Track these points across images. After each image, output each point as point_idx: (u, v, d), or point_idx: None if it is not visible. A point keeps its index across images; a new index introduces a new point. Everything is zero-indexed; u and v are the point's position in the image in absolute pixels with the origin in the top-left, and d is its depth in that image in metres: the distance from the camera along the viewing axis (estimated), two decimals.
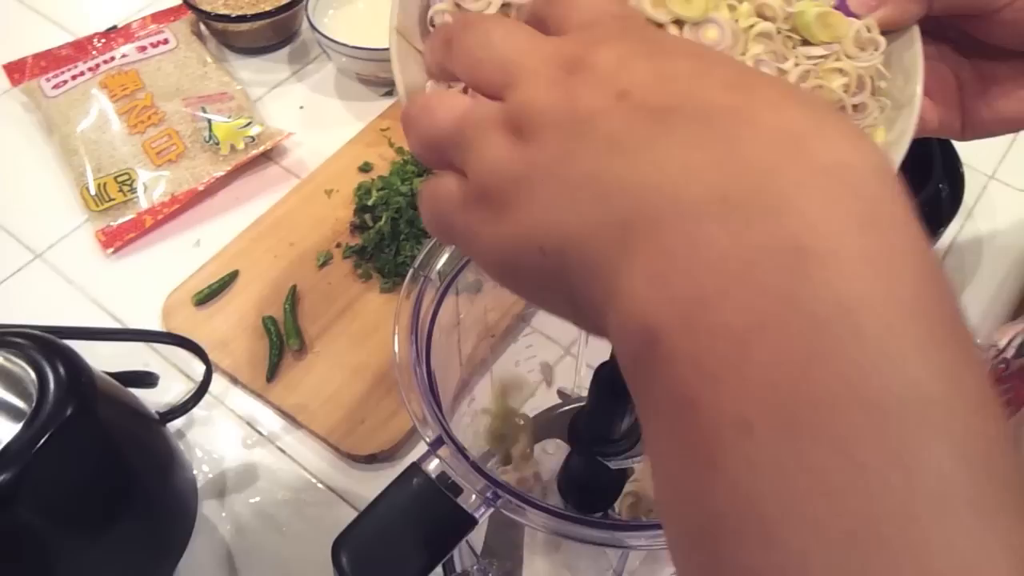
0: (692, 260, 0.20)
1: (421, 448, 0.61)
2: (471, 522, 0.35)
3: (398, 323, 0.40)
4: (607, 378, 0.42)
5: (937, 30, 0.41)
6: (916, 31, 0.38)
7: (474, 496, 0.35)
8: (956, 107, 0.43)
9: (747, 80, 0.23)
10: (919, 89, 0.38)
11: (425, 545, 0.35)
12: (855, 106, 0.38)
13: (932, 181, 0.67)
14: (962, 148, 0.70)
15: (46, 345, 0.47)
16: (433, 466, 0.36)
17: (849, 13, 0.37)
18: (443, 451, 0.36)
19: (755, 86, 0.23)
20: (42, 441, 0.42)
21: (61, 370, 0.45)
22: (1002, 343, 0.58)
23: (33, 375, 0.45)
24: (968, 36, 0.41)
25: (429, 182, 0.27)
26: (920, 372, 0.19)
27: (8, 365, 0.45)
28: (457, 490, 0.35)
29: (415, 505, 0.35)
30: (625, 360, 0.22)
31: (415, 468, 0.36)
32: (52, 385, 0.44)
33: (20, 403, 0.44)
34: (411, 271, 0.42)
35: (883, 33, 0.38)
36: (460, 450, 0.36)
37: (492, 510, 0.35)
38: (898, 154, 0.38)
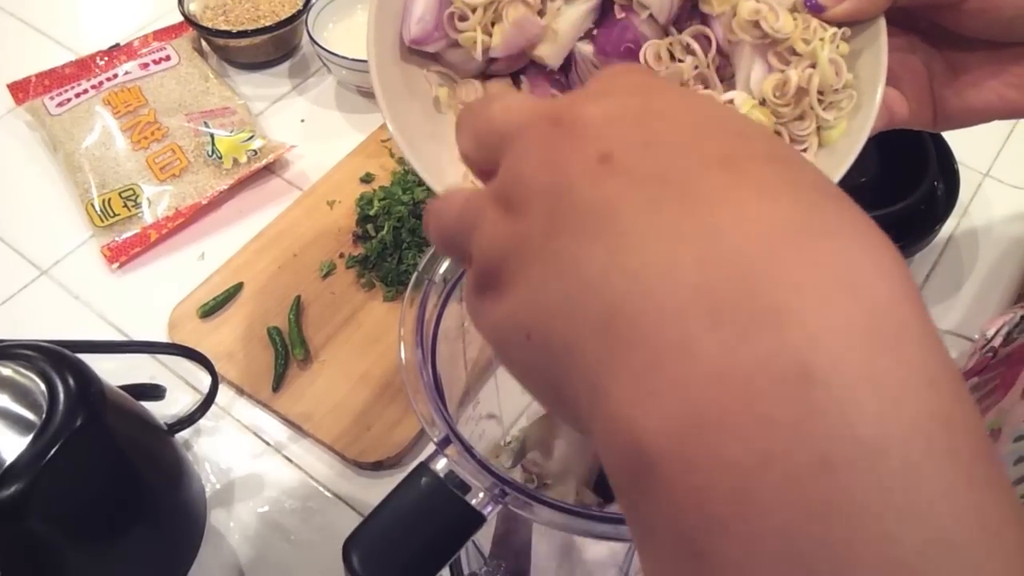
0: (683, 376, 0.18)
1: (428, 453, 0.62)
2: (480, 520, 0.35)
3: (403, 326, 0.41)
4: None
5: (907, 21, 0.42)
6: (882, 22, 0.39)
7: (482, 493, 0.36)
8: (927, 98, 0.43)
9: (742, 153, 0.21)
10: (882, 79, 0.38)
11: (435, 543, 0.35)
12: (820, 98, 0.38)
13: (927, 179, 0.67)
14: (957, 146, 0.71)
15: (56, 357, 0.47)
16: (441, 465, 0.37)
17: (817, 7, 0.38)
18: (450, 450, 0.37)
19: (750, 163, 0.20)
20: (52, 453, 0.43)
21: (71, 381, 0.46)
22: (990, 332, 0.58)
23: (43, 387, 0.45)
24: (938, 26, 0.41)
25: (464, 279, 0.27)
26: (951, 524, 0.16)
27: (18, 377, 0.46)
28: (465, 488, 0.36)
29: (424, 504, 0.36)
30: (615, 474, 0.20)
31: (423, 467, 0.36)
32: (62, 396, 0.45)
33: (30, 415, 0.44)
34: (415, 276, 0.43)
35: (850, 25, 0.39)
36: (467, 448, 0.37)
37: (501, 507, 0.35)
38: (857, 144, 0.39)
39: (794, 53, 0.38)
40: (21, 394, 0.45)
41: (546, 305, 0.21)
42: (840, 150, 0.39)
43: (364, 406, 0.63)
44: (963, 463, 0.17)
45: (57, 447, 0.43)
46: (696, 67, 0.40)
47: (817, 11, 0.38)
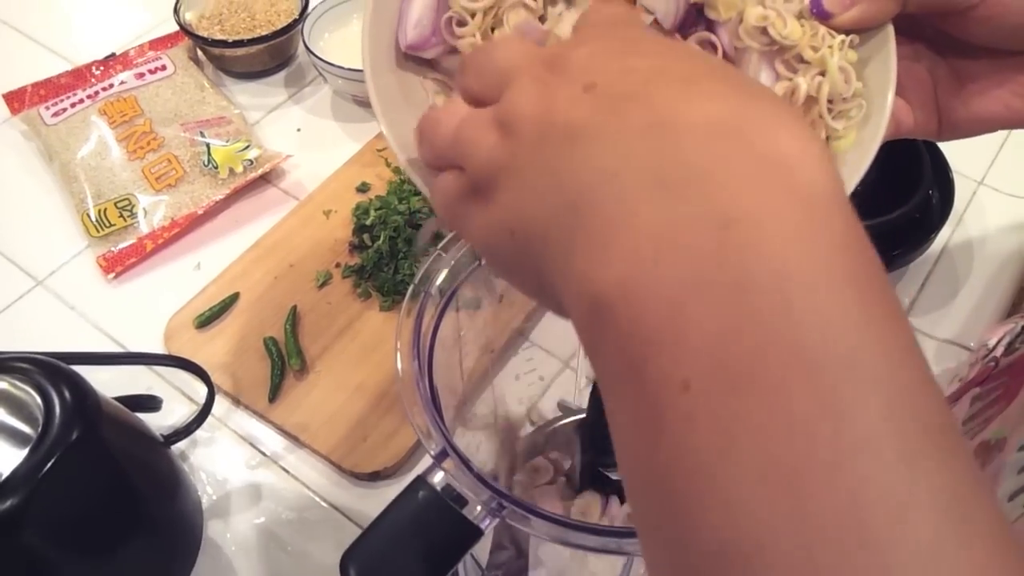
0: (627, 233, 0.22)
1: (425, 464, 0.62)
2: (477, 533, 0.35)
3: (400, 338, 0.41)
4: None
5: (912, 29, 0.42)
6: (890, 29, 0.38)
7: (479, 507, 0.36)
8: (932, 107, 0.43)
9: (701, 72, 0.25)
10: (892, 87, 0.38)
11: (432, 557, 0.35)
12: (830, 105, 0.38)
13: (922, 188, 0.68)
14: (951, 154, 0.71)
15: (51, 370, 0.47)
16: (438, 478, 0.37)
17: (824, 12, 0.38)
18: (447, 463, 0.37)
19: (705, 78, 0.24)
20: (48, 466, 0.43)
21: (67, 394, 0.46)
22: (991, 342, 0.59)
23: (39, 399, 0.45)
24: (944, 34, 0.41)
25: (438, 178, 0.30)
26: (848, 329, 0.20)
27: (13, 391, 0.45)
28: (462, 501, 0.36)
29: (421, 517, 0.36)
30: (582, 336, 0.24)
31: (420, 481, 0.36)
32: (58, 409, 0.45)
33: (26, 428, 0.44)
34: (411, 287, 0.43)
35: (857, 32, 0.38)
36: (464, 462, 0.37)
37: (498, 520, 0.35)
38: (868, 155, 0.38)
39: (802, 61, 0.38)
40: (17, 407, 0.45)
41: (527, 204, 0.25)
42: (850, 161, 0.38)
43: (360, 416, 0.63)
44: (861, 286, 0.21)
45: (53, 460, 0.43)
46: None
47: (824, 17, 0.38)
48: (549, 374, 0.64)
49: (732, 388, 0.20)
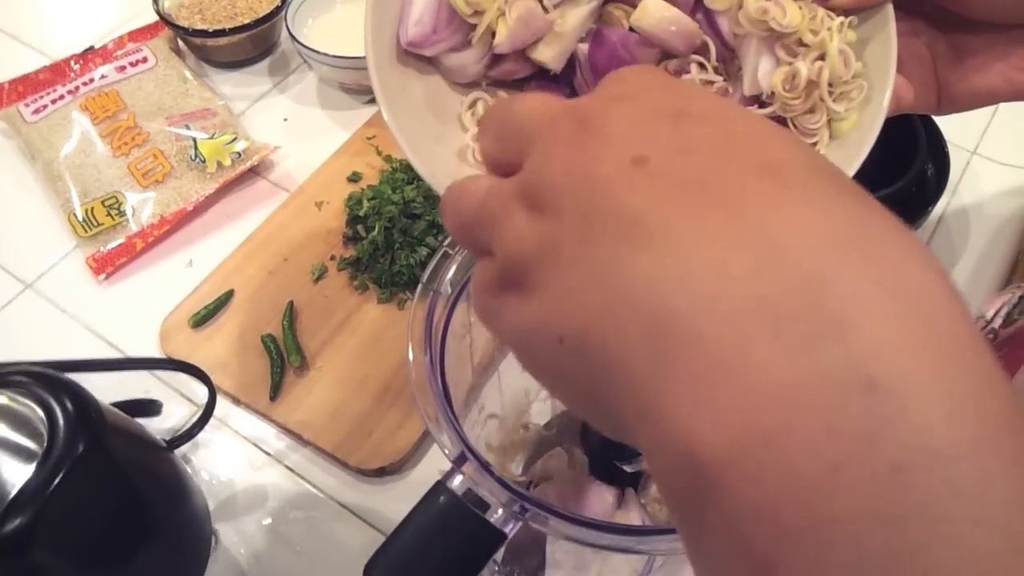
0: (745, 387, 0.18)
1: (430, 459, 0.62)
2: (501, 537, 0.35)
3: (412, 341, 0.40)
4: None
5: (911, 5, 0.41)
6: (889, 9, 0.38)
7: (501, 510, 0.35)
8: (932, 82, 0.43)
9: (782, 159, 0.20)
10: (892, 67, 0.38)
11: (456, 563, 0.35)
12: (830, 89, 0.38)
13: (918, 162, 0.67)
14: (944, 125, 0.71)
15: (51, 382, 0.46)
16: (457, 483, 0.36)
17: None
18: (467, 467, 0.36)
19: (791, 171, 0.20)
20: (56, 481, 0.42)
21: (69, 406, 0.45)
22: (989, 313, 0.59)
23: (41, 413, 0.44)
24: (942, 9, 0.41)
25: (474, 270, 0.26)
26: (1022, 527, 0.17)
27: (14, 406, 0.44)
28: (484, 506, 0.35)
29: (443, 523, 0.35)
30: (669, 488, 0.20)
31: (440, 486, 0.36)
32: (62, 423, 0.44)
33: (30, 443, 0.43)
34: (420, 287, 0.42)
35: (856, 13, 0.38)
36: (484, 466, 0.36)
37: (521, 524, 0.35)
38: (871, 135, 0.38)
39: (801, 44, 0.38)
40: (19, 422, 0.44)
41: (583, 310, 0.21)
42: (852, 142, 0.38)
43: (364, 412, 0.63)
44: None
45: (61, 475, 0.42)
46: (703, 68, 0.39)
47: (822, 0, 0.37)
48: None
49: None
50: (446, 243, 0.44)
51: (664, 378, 0.19)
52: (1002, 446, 0.17)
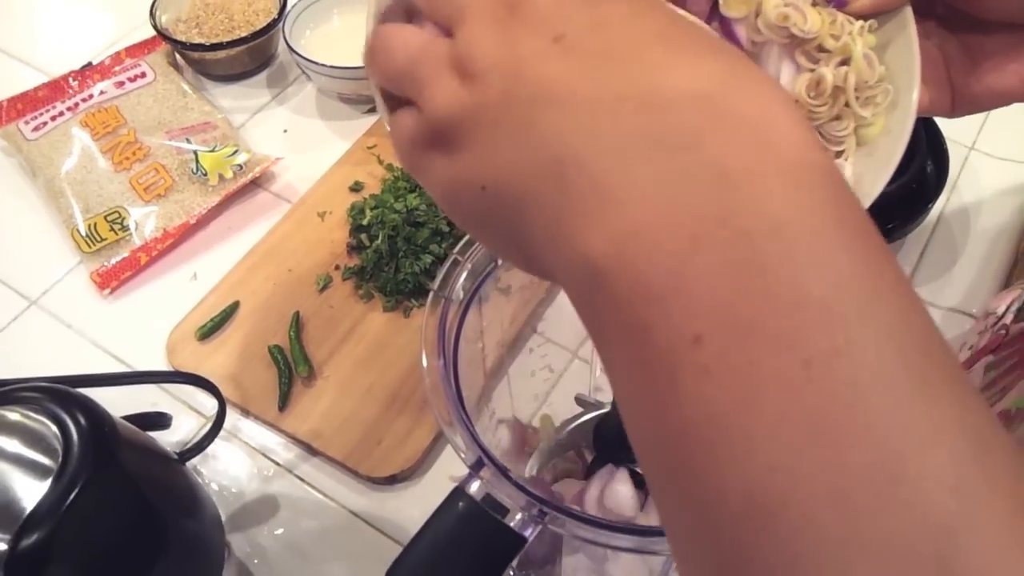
0: (621, 194, 0.22)
1: (441, 465, 0.62)
2: (521, 541, 0.35)
3: (425, 346, 0.40)
4: None
5: (923, 7, 0.41)
6: (908, 11, 0.38)
7: (520, 514, 0.36)
8: (946, 85, 0.43)
9: (676, 31, 0.24)
10: (917, 69, 0.38)
11: (477, 569, 0.35)
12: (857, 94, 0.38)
13: (918, 158, 0.68)
14: (942, 121, 0.71)
15: (63, 397, 0.46)
16: (475, 488, 0.36)
17: (840, 1, 0.37)
18: (484, 472, 0.37)
19: (683, 37, 0.24)
20: (72, 497, 0.42)
21: (83, 421, 0.45)
22: (1000, 310, 0.59)
23: (55, 429, 0.44)
24: (954, 11, 0.41)
25: (394, 116, 0.29)
26: (852, 271, 0.20)
27: (28, 422, 0.44)
28: (503, 510, 0.36)
29: (462, 529, 0.35)
30: (577, 302, 0.24)
31: (459, 492, 0.36)
32: (76, 438, 0.44)
33: (44, 459, 0.43)
34: (431, 294, 0.42)
35: (875, 17, 0.38)
36: (502, 471, 0.36)
37: (540, 527, 0.35)
38: (901, 141, 0.38)
39: (822, 50, 0.37)
40: (34, 439, 0.44)
41: (502, 161, 0.25)
42: (882, 148, 0.37)
43: (373, 420, 0.63)
44: (855, 229, 0.21)
45: (76, 491, 0.42)
46: None
47: (840, 5, 0.37)
48: (559, 368, 0.63)
49: (745, 336, 0.20)
50: (455, 250, 0.44)
51: (565, 204, 0.23)
52: (828, 213, 0.21)
